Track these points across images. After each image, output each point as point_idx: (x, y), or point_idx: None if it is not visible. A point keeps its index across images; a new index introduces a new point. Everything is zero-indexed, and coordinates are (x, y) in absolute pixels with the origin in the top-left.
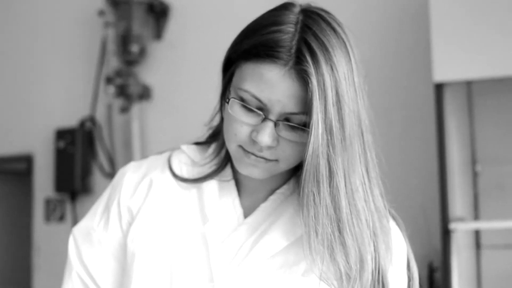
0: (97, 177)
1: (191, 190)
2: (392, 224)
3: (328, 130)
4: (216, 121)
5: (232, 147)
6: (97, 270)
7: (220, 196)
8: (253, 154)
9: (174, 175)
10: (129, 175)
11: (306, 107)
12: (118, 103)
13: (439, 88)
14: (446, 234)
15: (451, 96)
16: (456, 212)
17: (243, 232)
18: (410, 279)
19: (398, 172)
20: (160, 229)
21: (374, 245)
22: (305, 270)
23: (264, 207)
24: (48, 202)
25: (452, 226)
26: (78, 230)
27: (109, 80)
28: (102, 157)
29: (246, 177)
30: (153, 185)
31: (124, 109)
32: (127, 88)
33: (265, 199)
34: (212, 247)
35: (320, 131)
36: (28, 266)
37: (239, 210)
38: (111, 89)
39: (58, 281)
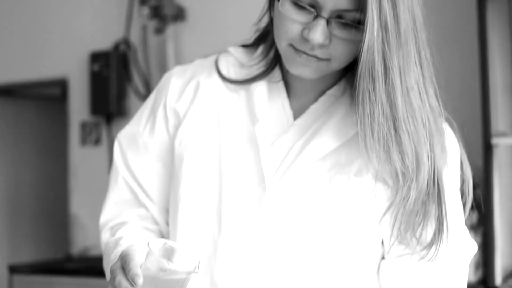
0: (132, 100)
1: (239, 92)
2: (446, 125)
3: (383, 27)
4: (264, 23)
5: (282, 46)
6: (143, 175)
7: (269, 98)
8: (304, 53)
9: (222, 77)
10: (175, 79)
11: (359, 4)
12: (152, 24)
13: (482, 3)
14: (487, 149)
15: (494, 11)
16: (498, 127)
17: (293, 133)
18: (464, 181)
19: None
20: (208, 132)
21: (429, 145)
22: (358, 170)
23: (314, 109)
24: (83, 125)
25: (494, 141)
26: (124, 135)
27: (143, 1)
28: (137, 79)
29: (295, 78)
30: (200, 88)
31: (159, 31)
32: (162, 9)
33: (315, 100)
34: (263, 148)
35: (375, 27)
36: (65, 189)
37: (288, 112)
38: (145, 10)
39: (95, 202)
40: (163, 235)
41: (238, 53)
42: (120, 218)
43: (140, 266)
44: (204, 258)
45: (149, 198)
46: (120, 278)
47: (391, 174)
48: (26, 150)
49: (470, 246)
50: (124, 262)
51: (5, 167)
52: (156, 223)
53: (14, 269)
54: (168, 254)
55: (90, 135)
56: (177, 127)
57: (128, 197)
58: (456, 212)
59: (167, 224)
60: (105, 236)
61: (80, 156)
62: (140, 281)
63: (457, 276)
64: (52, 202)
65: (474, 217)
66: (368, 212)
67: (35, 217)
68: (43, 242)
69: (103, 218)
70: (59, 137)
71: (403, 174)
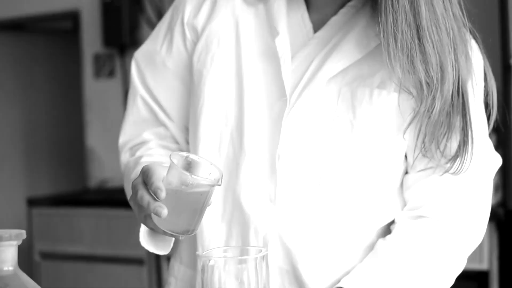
0: (145, 30)
1: (258, 6)
2: (469, 36)
3: None
4: None
5: None
6: (162, 93)
7: (288, 11)
8: None
9: None
10: None
11: None
12: None
13: None
14: (506, 70)
15: None
16: None
17: (313, 46)
18: (487, 93)
19: None
20: (227, 47)
21: (454, 55)
22: (381, 81)
23: (334, 21)
24: (97, 57)
25: None
26: (140, 54)
27: None
28: (149, 9)
29: None
30: (217, 3)
31: None
32: None
33: (335, 13)
34: (283, 61)
35: None
36: (81, 122)
37: (308, 25)
38: None
39: (110, 135)
40: None
41: None
42: (140, 138)
43: (162, 180)
44: (225, 175)
45: (168, 117)
46: (142, 192)
47: (415, 84)
48: (40, 85)
49: (495, 159)
50: (146, 177)
51: (20, 103)
52: (176, 142)
53: (32, 202)
54: (191, 167)
55: (104, 68)
56: (195, 43)
57: (147, 116)
58: (481, 124)
59: (187, 142)
60: (124, 157)
61: (94, 89)
62: (162, 194)
63: (482, 189)
64: (68, 136)
65: (493, 139)
66: (391, 124)
67: (51, 151)
68: (60, 176)
69: (122, 139)
70: (73, 70)
71: (428, 84)
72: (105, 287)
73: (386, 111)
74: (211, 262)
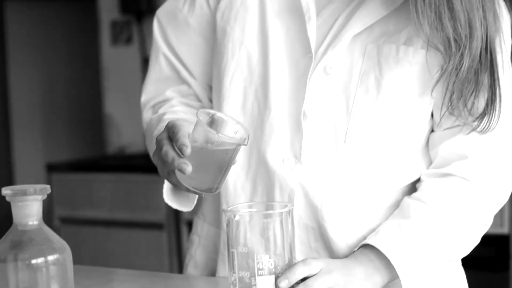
0: None
1: None
2: None
3: None
4: None
5: None
6: (184, 50)
7: None
8: None
9: None
10: None
11: None
12: None
13: None
14: None
15: None
16: None
17: (338, 3)
18: None
19: None
20: (251, 3)
21: (482, 11)
22: (407, 38)
23: None
24: (114, 24)
25: None
26: (162, 12)
27: None
28: None
29: None
30: None
31: None
32: None
33: None
34: (309, 17)
35: None
36: (98, 89)
37: None
38: None
39: (128, 102)
40: None
41: None
42: (162, 96)
43: (188, 137)
44: (250, 133)
45: (191, 75)
46: (167, 148)
47: (443, 41)
48: (57, 52)
49: None
50: (171, 133)
51: (37, 70)
52: (199, 100)
53: (51, 168)
54: (217, 125)
55: (121, 34)
56: (218, 1)
57: (170, 74)
58: (509, 82)
59: (210, 101)
60: (147, 115)
61: (111, 56)
62: (188, 151)
63: (508, 148)
64: (87, 103)
65: None
66: (418, 82)
67: (70, 118)
68: (78, 143)
69: (144, 97)
70: (90, 38)
71: (456, 42)
72: (124, 252)
73: (413, 68)
74: (237, 217)
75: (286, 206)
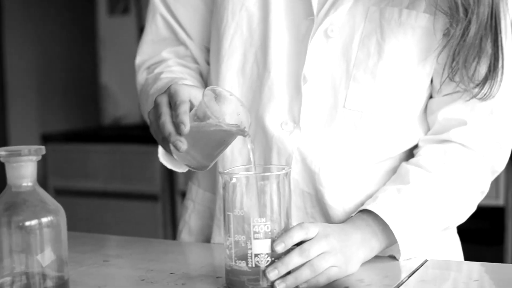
0: None
1: None
2: None
3: None
4: None
5: None
6: (182, 11)
7: None
8: None
9: None
10: None
11: None
12: None
13: None
14: None
15: None
16: None
17: None
18: None
19: None
20: None
21: None
22: (410, 2)
23: None
24: None
25: None
26: None
27: None
28: None
29: None
30: None
31: None
32: None
33: None
34: None
35: None
36: (95, 59)
37: None
38: None
39: (124, 72)
40: (202, 74)
41: None
42: (158, 57)
43: (189, 113)
44: (249, 96)
45: (188, 36)
46: (165, 119)
47: (451, 6)
48: (53, 22)
49: None
50: (173, 102)
51: (33, 40)
52: (196, 62)
53: (46, 138)
54: (221, 102)
55: (118, 4)
56: None
57: (166, 35)
58: (511, 49)
59: (207, 63)
60: (141, 76)
61: (108, 26)
62: (185, 130)
63: (507, 116)
64: (82, 73)
65: None
66: (419, 47)
67: (65, 89)
68: (74, 113)
69: (139, 59)
70: (87, 7)
71: (464, 6)
72: (119, 223)
73: (415, 32)
74: (233, 180)
75: (283, 168)
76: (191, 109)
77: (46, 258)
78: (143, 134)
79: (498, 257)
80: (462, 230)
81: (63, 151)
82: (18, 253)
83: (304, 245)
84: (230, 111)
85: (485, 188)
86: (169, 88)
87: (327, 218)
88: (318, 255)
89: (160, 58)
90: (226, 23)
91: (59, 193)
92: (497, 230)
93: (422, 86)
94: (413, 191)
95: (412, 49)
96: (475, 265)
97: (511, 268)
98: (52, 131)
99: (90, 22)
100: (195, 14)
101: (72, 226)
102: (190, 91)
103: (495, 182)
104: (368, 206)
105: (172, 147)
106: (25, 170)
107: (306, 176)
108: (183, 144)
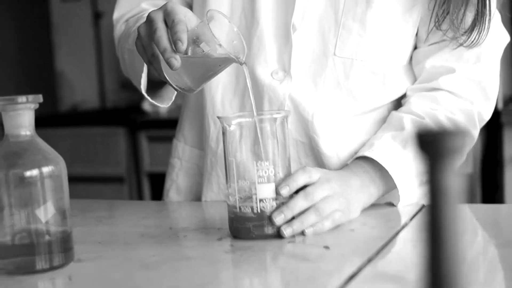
0: None
1: None
2: None
3: None
4: None
5: None
6: None
7: None
8: None
9: None
10: None
11: None
12: None
13: None
14: None
15: None
16: None
17: None
18: None
19: None
20: None
21: None
22: None
23: None
24: None
25: None
26: None
27: None
28: None
29: None
30: None
31: None
32: None
33: None
34: None
35: None
36: (50, 45)
37: None
38: None
39: (79, 56)
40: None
41: None
42: (137, 9)
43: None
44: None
45: None
46: (162, 33)
47: None
48: (5, 8)
49: (504, 35)
50: (170, 20)
51: None
52: None
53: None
54: (216, 26)
55: None
56: None
57: None
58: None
59: None
60: (119, 30)
61: (61, 11)
62: (182, 48)
63: (492, 64)
64: (37, 60)
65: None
66: None
67: (19, 76)
68: None
69: (116, 13)
70: None
71: None
72: None
73: None
74: (233, 125)
75: (282, 112)
76: None
77: (48, 211)
78: (104, 117)
79: None
80: None
81: None
82: (18, 207)
83: (308, 188)
84: (226, 38)
85: (474, 136)
86: (165, 5)
87: (322, 167)
88: (322, 199)
89: (140, 9)
90: None
91: None
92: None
93: (410, 35)
94: (408, 136)
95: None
96: (473, 207)
97: (509, 207)
98: None
99: (44, 8)
100: None
101: None
102: (186, 12)
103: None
104: (365, 152)
105: (164, 65)
106: (23, 118)
107: (299, 124)
108: (177, 62)
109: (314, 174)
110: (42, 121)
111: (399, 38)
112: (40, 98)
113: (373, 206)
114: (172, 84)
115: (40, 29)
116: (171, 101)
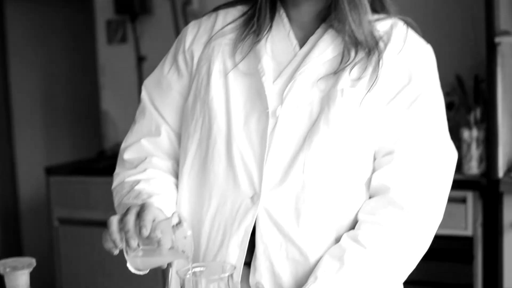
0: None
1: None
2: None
3: None
4: None
5: None
6: (167, 109)
7: (274, 34)
8: None
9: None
10: (191, 28)
11: None
12: None
13: None
14: (491, 47)
15: None
16: (502, 26)
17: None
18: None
19: None
20: (217, 74)
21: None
22: (351, 81)
23: (314, 38)
24: (109, 23)
25: (497, 39)
26: (149, 80)
27: None
28: None
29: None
30: (215, 27)
31: None
32: None
33: (316, 29)
34: (267, 81)
35: None
36: (96, 85)
37: (294, 42)
38: None
39: (122, 96)
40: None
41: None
42: (141, 152)
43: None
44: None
45: (169, 126)
46: (131, 217)
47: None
48: (56, 52)
49: (452, 153)
50: (142, 210)
51: (37, 71)
52: (173, 146)
53: (50, 171)
54: (175, 229)
55: (116, 33)
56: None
57: (152, 129)
58: (436, 120)
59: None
60: (123, 170)
61: (107, 53)
62: (145, 233)
63: (438, 180)
64: (85, 101)
65: (478, 112)
66: (362, 118)
67: (68, 115)
68: (78, 139)
69: (124, 144)
70: (87, 36)
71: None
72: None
73: (355, 104)
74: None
75: (228, 269)
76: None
77: None
78: None
79: (469, 276)
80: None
81: (66, 182)
82: None
83: None
84: (180, 235)
85: (424, 247)
86: (144, 204)
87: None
88: None
89: (144, 154)
90: (195, 118)
91: (63, 223)
92: (467, 253)
93: (369, 154)
94: (350, 271)
95: (355, 120)
96: None
97: None
98: (56, 163)
99: (90, 51)
100: (176, 108)
101: (76, 254)
102: (158, 212)
103: (464, 214)
104: (310, 286)
105: (125, 246)
106: (21, 279)
107: (273, 228)
108: (134, 242)
109: None
110: (83, 170)
111: (358, 158)
112: (34, 263)
113: None
114: (128, 261)
115: (88, 71)
116: (147, 271)
